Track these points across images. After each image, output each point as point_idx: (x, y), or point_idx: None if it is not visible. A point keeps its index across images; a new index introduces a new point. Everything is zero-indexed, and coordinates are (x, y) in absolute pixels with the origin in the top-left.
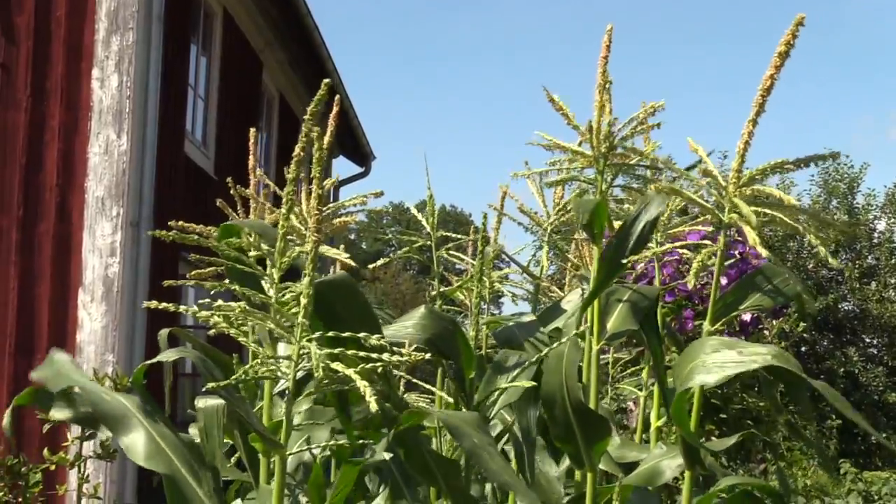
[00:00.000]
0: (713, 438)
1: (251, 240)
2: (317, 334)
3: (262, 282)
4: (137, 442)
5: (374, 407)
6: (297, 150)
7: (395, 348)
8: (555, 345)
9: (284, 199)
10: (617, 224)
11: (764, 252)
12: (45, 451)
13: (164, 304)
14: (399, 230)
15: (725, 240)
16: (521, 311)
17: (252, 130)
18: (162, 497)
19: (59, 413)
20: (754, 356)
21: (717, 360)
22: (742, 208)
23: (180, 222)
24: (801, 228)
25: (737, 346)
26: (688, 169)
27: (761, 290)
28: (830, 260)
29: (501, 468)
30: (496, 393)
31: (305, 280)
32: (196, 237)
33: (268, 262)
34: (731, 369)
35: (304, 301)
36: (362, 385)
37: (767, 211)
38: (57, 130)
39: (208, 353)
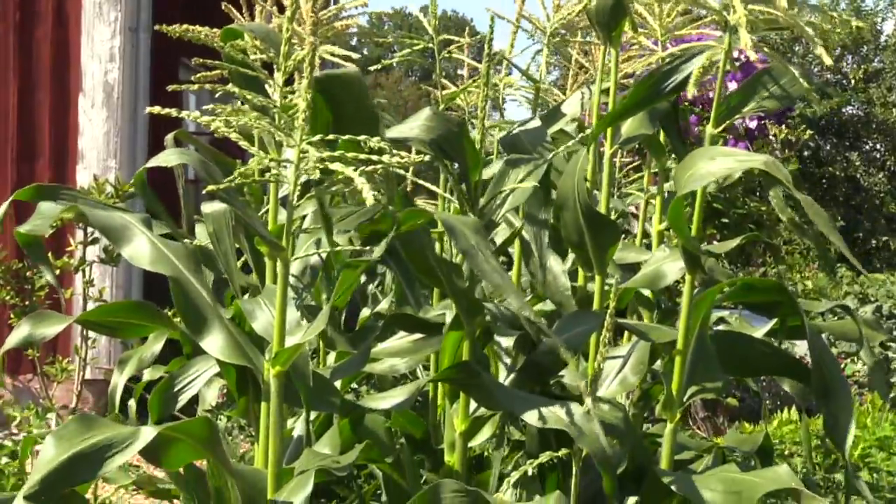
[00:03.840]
0: (715, 242)
1: (256, 44)
2: (317, 137)
3: (266, 86)
4: (140, 250)
5: (370, 201)
6: None
7: (394, 150)
8: (571, 145)
9: (289, 2)
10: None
11: (753, 55)
12: (49, 256)
13: (167, 110)
14: (400, 35)
15: (731, 41)
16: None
17: None
18: (169, 301)
19: (65, 213)
20: (747, 161)
21: (713, 169)
22: (735, 5)
23: (185, 25)
24: (806, 29)
25: (735, 155)
26: None
27: (767, 91)
28: (826, 60)
29: (493, 269)
30: (503, 195)
31: (304, 82)
32: (203, 37)
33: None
34: (724, 173)
35: (303, 104)
36: (360, 182)
37: (770, 11)
38: None
39: (213, 157)
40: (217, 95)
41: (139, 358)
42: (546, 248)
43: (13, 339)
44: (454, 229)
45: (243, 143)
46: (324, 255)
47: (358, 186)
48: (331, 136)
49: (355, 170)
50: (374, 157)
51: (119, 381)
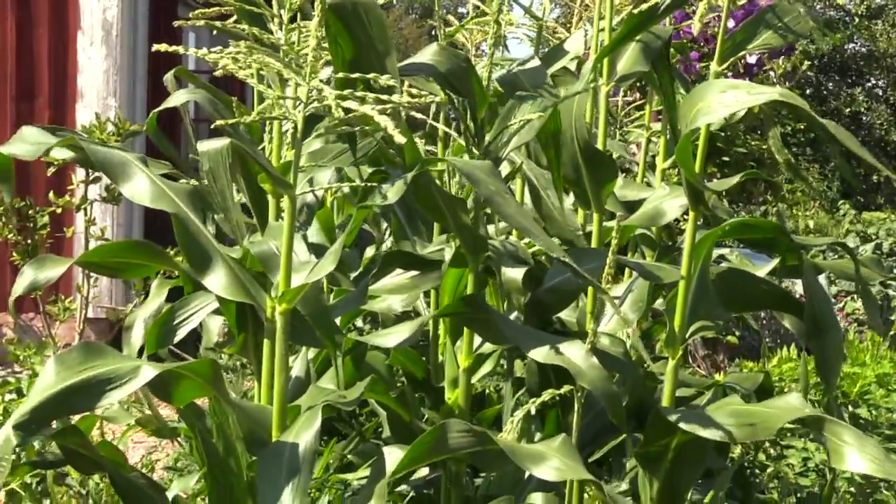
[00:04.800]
0: (715, 180)
1: None
2: (324, 75)
3: (270, 24)
4: (141, 187)
5: (400, 140)
6: None
7: (405, 89)
8: (574, 88)
9: None
10: None
11: None
12: (51, 195)
13: (173, 48)
14: None
15: None
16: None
17: None
18: (169, 240)
19: (61, 153)
20: (760, 94)
21: (724, 101)
22: None
23: None
24: None
25: (743, 87)
26: None
27: (772, 28)
28: None
29: (518, 212)
30: (508, 132)
31: (314, 21)
32: None
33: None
34: (736, 107)
35: (313, 42)
36: (383, 120)
37: None
38: None
39: (214, 96)
40: (214, 33)
41: (144, 319)
42: (554, 185)
43: (19, 287)
44: (473, 176)
45: (251, 81)
46: (320, 193)
47: (381, 124)
48: (340, 74)
49: (374, 109)
50: (384, 97)
51: (132, 340)
